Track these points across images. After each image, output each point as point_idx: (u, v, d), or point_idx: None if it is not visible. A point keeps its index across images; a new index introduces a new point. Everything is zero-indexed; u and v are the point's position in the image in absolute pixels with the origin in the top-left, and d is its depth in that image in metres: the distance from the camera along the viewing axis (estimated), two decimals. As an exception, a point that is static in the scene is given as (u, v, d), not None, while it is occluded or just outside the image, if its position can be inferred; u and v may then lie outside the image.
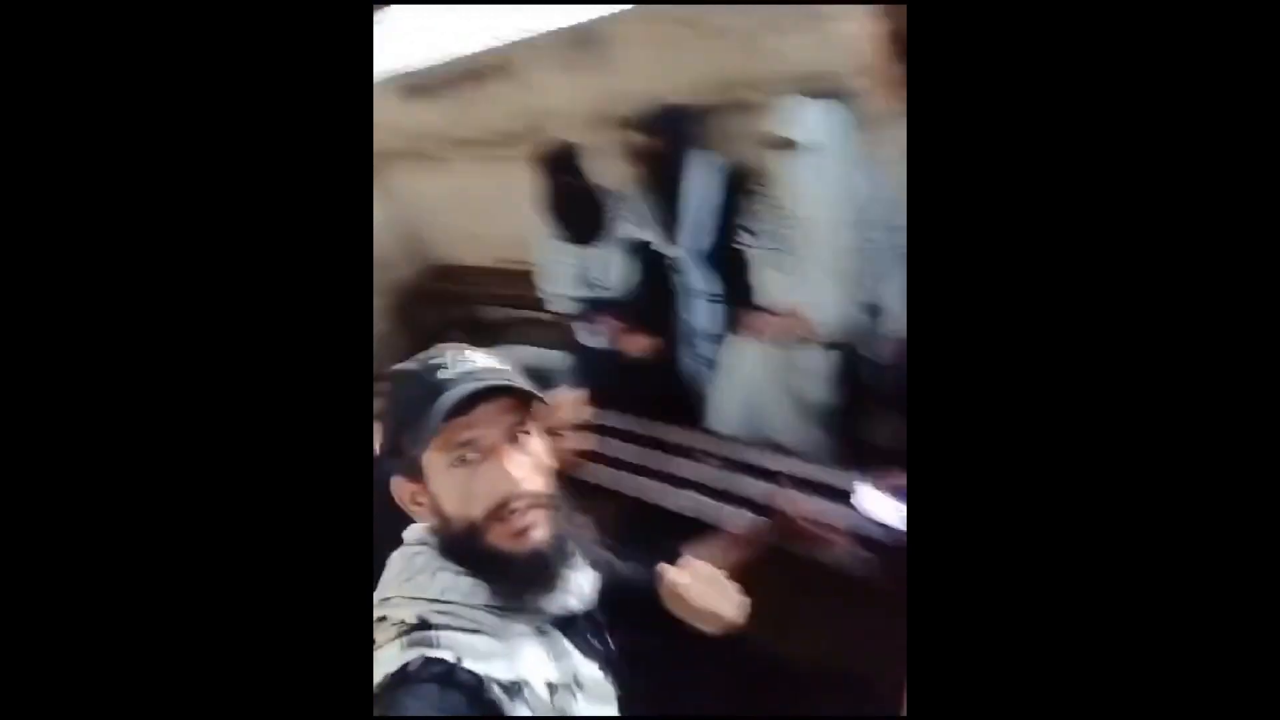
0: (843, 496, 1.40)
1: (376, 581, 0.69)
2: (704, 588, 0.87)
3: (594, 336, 2.21)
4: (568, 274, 2.24)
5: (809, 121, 1.79)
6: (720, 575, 0.89)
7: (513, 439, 0.67)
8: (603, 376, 2.10)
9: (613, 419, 1.88)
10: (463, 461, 0.65)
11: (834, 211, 1.81)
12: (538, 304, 2.41)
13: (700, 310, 2.06)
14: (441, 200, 3.37)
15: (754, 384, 1.94)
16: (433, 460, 0.66)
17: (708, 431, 1.96)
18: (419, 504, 0.70)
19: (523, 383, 0.67)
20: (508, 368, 0.70)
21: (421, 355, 0.70)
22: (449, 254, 3.61)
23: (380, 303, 3.51)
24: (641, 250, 2.13)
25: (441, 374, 0.66)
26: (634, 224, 2.12)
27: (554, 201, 2.14)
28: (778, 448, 1.83)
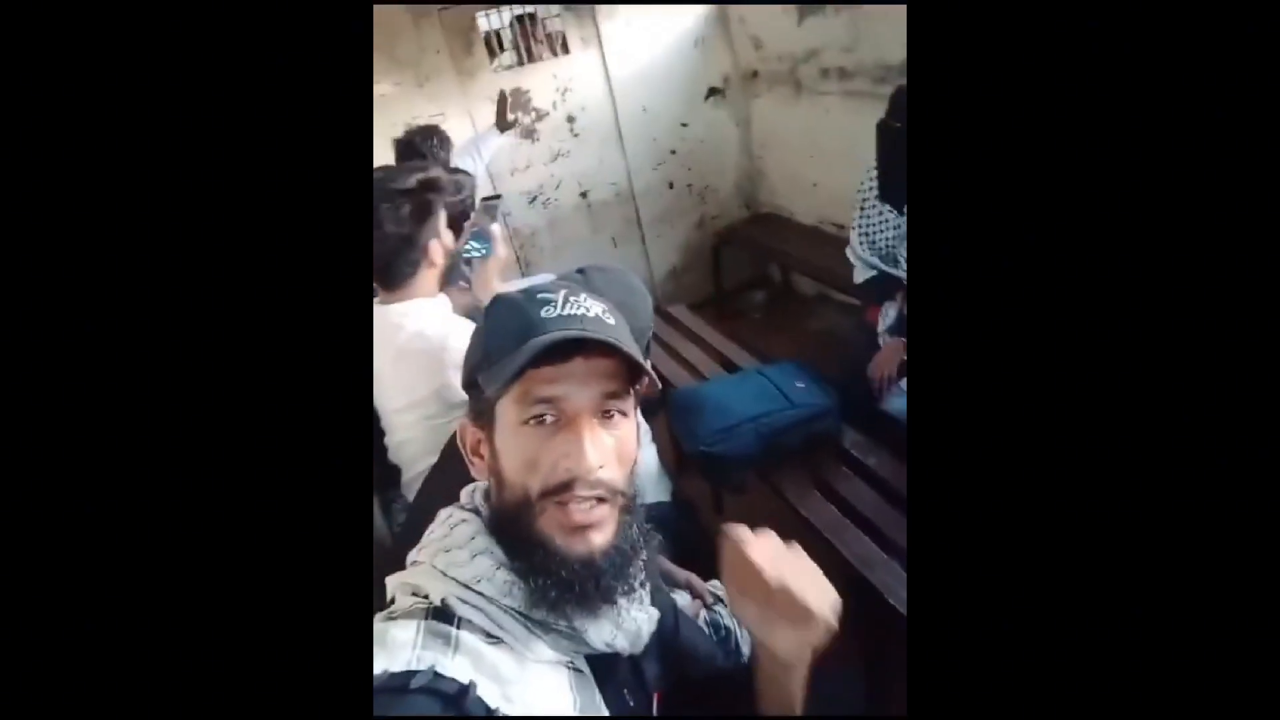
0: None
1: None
2: (788, 566, 0.60)
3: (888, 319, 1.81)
4: (882, 240, 1.86)
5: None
6: (808, 562, 0.63)
7: (603, 413, 0.57)
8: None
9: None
10: (538, 421, 0.56)
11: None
12: (845, 285, 2.06)
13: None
14: (792, 138, 3.02)
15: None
16: (506, 409, 0.57)
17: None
18: (479, 456, 0.62)
19: (633, 348, 0.57)
20: (622, 324, 0.60)
21: (532, 286, 0.61)
22: (779, 200, 3.26)
23: (691, 238, 3.33)
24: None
25: (546, 311, 0.57)
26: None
27: (888, 152, 1.71)
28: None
